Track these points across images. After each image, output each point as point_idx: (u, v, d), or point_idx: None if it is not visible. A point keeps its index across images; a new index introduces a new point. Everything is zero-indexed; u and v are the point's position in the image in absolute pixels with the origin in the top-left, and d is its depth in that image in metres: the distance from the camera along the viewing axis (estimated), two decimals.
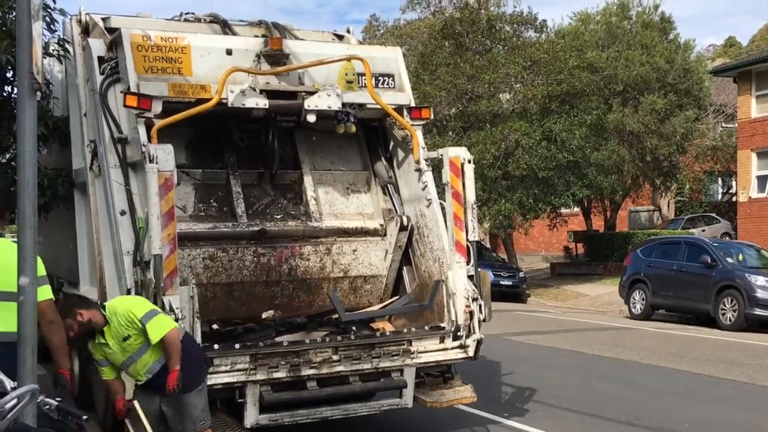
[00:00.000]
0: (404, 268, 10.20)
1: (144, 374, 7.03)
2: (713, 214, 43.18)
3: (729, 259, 23.58)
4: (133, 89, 8.29)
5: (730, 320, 22.21)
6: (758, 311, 21.96)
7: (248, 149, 9.68)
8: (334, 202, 10.12)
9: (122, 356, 6.97)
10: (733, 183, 42.53)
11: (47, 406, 5.12)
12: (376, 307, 10.02)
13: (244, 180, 9.67)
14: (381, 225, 10.14)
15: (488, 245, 42.10)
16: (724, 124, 46.82)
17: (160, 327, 6.86)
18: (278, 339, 8.86)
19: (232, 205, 9.48)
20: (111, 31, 9.05)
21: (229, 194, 9.52)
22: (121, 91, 8.44)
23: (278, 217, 9.74)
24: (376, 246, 10.09)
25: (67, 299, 7.39)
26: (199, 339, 7.78)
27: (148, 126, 8.17)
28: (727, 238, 37.11)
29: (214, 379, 7.88)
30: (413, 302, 9.89)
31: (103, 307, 7.06)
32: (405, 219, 9.94)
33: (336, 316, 9.45)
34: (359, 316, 9.68)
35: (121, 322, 6.87)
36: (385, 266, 10.10)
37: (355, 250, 9.99)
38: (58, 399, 5.20)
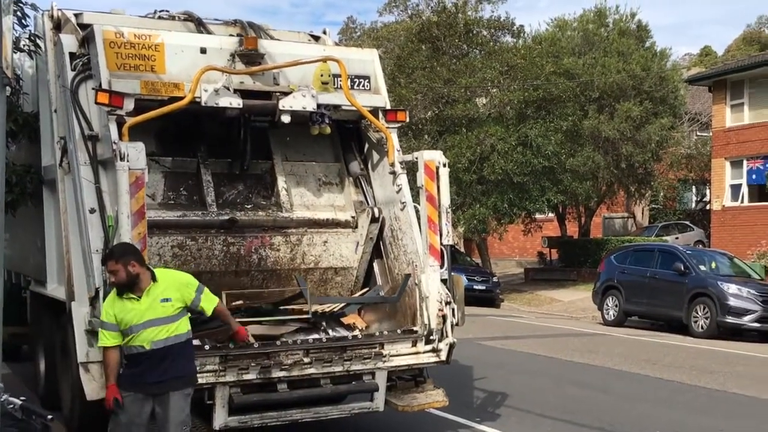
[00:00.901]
0: (375, 260, 10.15)
1: (150, 344, 6.93)
2: (687, 222, 43.42)
3: (702, 267, 23.71)
4: (104, 86, 8.19)
5: (702, 327, 22.33)
6: (730, 319, 22.11)
7: (219, 139, 9.59)
8: (305, 193, 10.09)
9: (147, 316, 6.92)
10: (707, 191, 42.82)
11: (11, 405, 5.04)
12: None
13: (214, 169, 9.62)
14: (352, 217, 10.10)
15: (462, 249, 42.08)
16: (698, 133, 47.09)
17: (212, 299, 7.35)
18: (249, 339, 8.79)
19: (202, 193, 9.43)
20: (83, 27, 8.94)
21: (199, 183, 9.47)
22: (93, 88, 8.33)
23: (248, 206, 9.70)
24: (347, 238, 10.05)
25: (126, 245, 7.36)
26: None
27: (120, 123, 8.06)
28: (701, 246, 37.31)
29: None
30: (384, 305, 9.84)
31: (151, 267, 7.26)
32: (376, 211, 9.90)
33: (305, 308, 9.39)
34: (327, 300, 9.70)
35: (174, 284, 7.11)
36: (356, 258, 10.06)
37: (325, 242, 9.95)
38: (22, 398, 5.12)
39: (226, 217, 9.40)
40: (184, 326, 7.11)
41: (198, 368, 7.87)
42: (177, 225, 9.18)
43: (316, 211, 10.01)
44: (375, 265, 10.16)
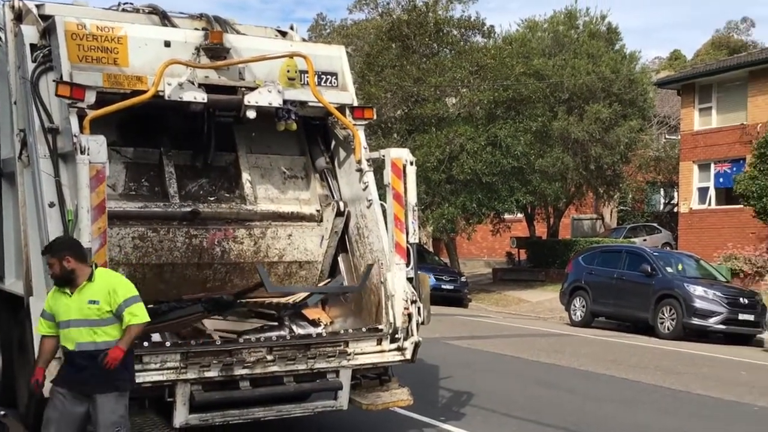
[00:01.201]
0: (340, 255, 10.09)
1: (74, 344, 6.85)
2: (655, 224, 43.68)
3: (669, 269, 23.84)
4: (66, 78, 8.06)
5: (668, 329, 22.44)
6: (696, 321, 22.26)
7: (183, 131, 9.46)
8: (269, 186, 10.03)
9: (72, 315, 6.84)
10: (675, 194, 43.08)
11: None
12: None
13: (177, 160, 9.53)
14: (317, 210, 10.06)
15: (431, 249, 42.10)
16: (667, 136, 47.38)
17: (138, 317, 6.90)
18: (210, 333, 8.70)
19: (165, 185, 9.34)
20: (45, 18, 8.78)
21: (161, 174, 9.39)
22: (54, 80, 8.19)
23: (212, 199, 9.62)
24: (311, 231, 10.00)
25: (66, 240, 7.31)
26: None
27: (81, 116, 7.93)
28: (668, 248, 37.53)
29: (143, 377, 7.71)
30: (349, 305, 9.82)
31: (94, 266, 7.08)
32: (342, 205, 9.86)
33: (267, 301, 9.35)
34: (285, 289, 9.64)
35: (105, 288, 6.89)
36: (320, 252, 10.00)
37: (290, 235, 9.88)
38: None
39: (189, 209, 9.31)
40: (117, 332, 6.93)
41: (158, 365, 7.81)
42: (138, 216, 9.08)
43: (281, 204, 9.95)
44: (340, 260, 10.09)
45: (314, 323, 9.56)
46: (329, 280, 10.09)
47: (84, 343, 6.85)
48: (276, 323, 9.53)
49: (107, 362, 6.75)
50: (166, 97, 8.49)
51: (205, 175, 9.75)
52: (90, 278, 6.90)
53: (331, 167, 10.22)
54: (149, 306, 8.12)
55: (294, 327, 9.42)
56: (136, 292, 7.01)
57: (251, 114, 9.00)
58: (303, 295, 9.76)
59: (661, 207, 49.40)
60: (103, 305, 6.85)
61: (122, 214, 8.91)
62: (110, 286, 6.91)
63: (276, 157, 10.13)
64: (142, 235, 9.08)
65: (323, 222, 10.00)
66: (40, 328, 7.05)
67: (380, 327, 9.18)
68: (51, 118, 8.27)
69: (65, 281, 6.89)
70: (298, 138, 10.23)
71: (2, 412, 4.99)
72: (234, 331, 8.96)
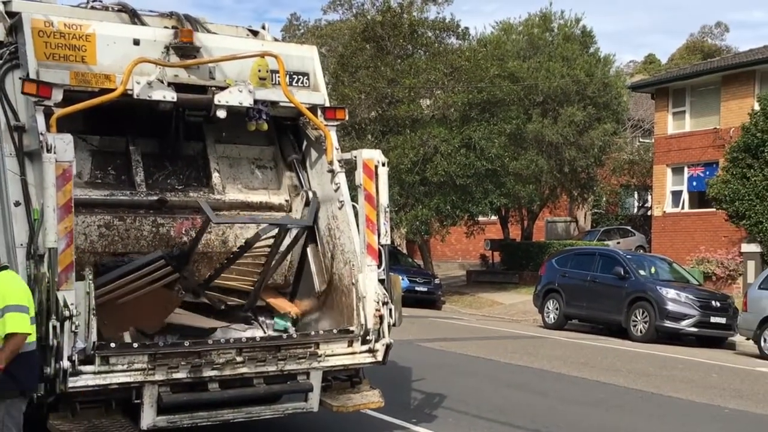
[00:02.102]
0: (309, 245, 10.03)
1: None
2: (628, 227, 43.93)
3: (642, 272, 23.93)
4: (32, 76, 7.98)
5: (640, 331, 22.53)
6: (668, 323, 22.35)
7: (150, 120, 9.35)
8: (238, 175, 10.01)
9: None
10: (649, 197, 43.29)
11: None
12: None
13: (144, 149, 9.49)
14: (286, 200, 10.06)
15: (404, 251, 42.07)
16: (641, 139, 47.63)
17: (19, 324, 6.73)
18: (179, 339, 8.64)
19: (131, 173, 9.31)
20: (12, 15, 8.65)
21: (127, 162, 9.35)
22: (20, 78, 8.10)
23: (179, 187, 9.59)
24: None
25: None
26: (94, 337, 7.51)
27: (47, 114, 7.86)
28: (641, 250, 37.70)
29: (110, 379, 7.66)
30: (320, 305, 9.77)
31: (4, 268, 7.03)
32: (310, 194, 9.84)
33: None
34: (229, 221, 9.53)
35: None
36: (292, 247, 9.91)
37: (258, 225, 9.80)
38: None
39: (156, 198, 9.29)
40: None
41: (125, 366, 7.74)
42: (104, 204, 9.05)
43: (249, 193, 9.95)
44: (308, 250, 10.04)
45: (283, 316, 9.62)
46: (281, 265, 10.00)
47: None
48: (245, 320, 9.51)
49: None
50: (135, 96, 8.43)
51: (173, 164, 9.71)
52: None
53: (300, 158, 10.19)
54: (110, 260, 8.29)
55: (261, 320, 9.48)
56: (23, 302, 6.86)
57: (221, 113, 8.96)
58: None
59: (635, 210, 49.66)
60: None
61: (88, 202, 8.85)
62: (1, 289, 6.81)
63: (244, 147, 10.10)
64: (108, 224, 9.03)
65: (292, 212, 9.99)
66: None
67: (351, 328, 9.13)
68: (17, 116, 8.18)
69: None
70: (268, 130, 10.17)
71: None
72: (199, 327, 8.91)
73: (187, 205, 9.49)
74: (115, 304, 8.52)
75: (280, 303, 10.00)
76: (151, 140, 9.55)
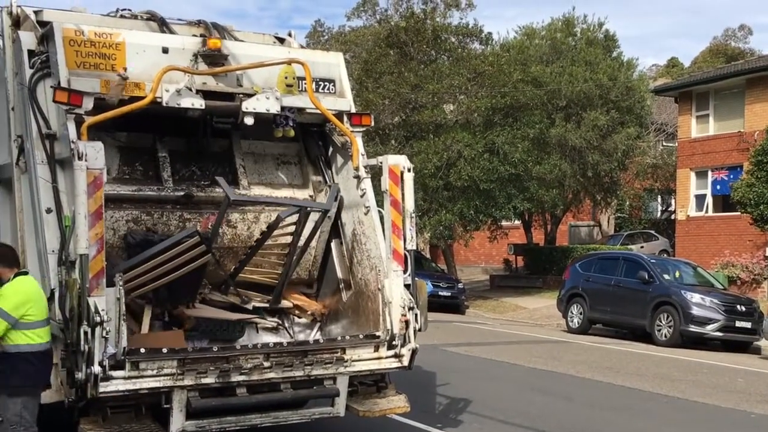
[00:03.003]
0: (333, 241, 10.12)
1: None
2: (652, 231, 43.73)
3: (666, 276, 23.84)
4: (63, 84, 8.07)
5: (665, 336, 22.45)
6: (693, 328, 22.25)
7: (177, 120, 9.41)
8: (263, 171, 10.11)
9: None
10: (672, 201, 43.12)
11: None
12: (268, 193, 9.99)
13: (171, 146, 9.60)
14: (311, 196, 10.11)
15: (428, 256, 42.07)
16: (664, 143, 47.42)
17: None
18: (208, 345, 8.71)
19: (158, 169, 9.42)
20: (43, 24, 8.79)
21: (155, 158, 9.47)
22: (51, 86, 8.21)
23: (205, 183, 9.68)
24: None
25: (3, 247, 7.80)
26: (124, 342, 7.57)
27: (78, 122, 7.96)
28: (665, 255, 37.52)
29: (140, 384, 7.71)
30: (345, 309, 9.83)
31: (24, 273, 7.56)
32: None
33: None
34: (247, 198, 9.61)
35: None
36: (314, 237, 9.98)
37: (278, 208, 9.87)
38: None
39: (182, 193, 9.39)
40: (7, 339, 7.29)
41: (155, 372, 7.79)
42: (132, 199, 9.16)
43: (274, 189, 10.00)
44: (332, 245, 10.12)
45: (304, 310, 9.83)
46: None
47: None
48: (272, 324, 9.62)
49: None
50: (164, 104, 8.52)
51: (199, 161, 9.80)
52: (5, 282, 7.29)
53: (325, 154, 10.27)
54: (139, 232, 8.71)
55: (287, 324, 9.55)
56: (8, 307, 7.24)
57: (249, 120, 9.04)
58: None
59: (659, 214, 49.45)
60: None
61: (116, 197, 8.95)
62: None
63: (269, 144, 10.16)
64: (136, 218, 9.16)
65: None
66: None
67: (377, 334, 9.16)
68: (48, 124, 8.30)
69: None
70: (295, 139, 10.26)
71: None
72: (216, 319, 9.27)
73: (213, 201, 9.57)
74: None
75: (305, 301, 10.13)
76: (178, 138, 9.65)
